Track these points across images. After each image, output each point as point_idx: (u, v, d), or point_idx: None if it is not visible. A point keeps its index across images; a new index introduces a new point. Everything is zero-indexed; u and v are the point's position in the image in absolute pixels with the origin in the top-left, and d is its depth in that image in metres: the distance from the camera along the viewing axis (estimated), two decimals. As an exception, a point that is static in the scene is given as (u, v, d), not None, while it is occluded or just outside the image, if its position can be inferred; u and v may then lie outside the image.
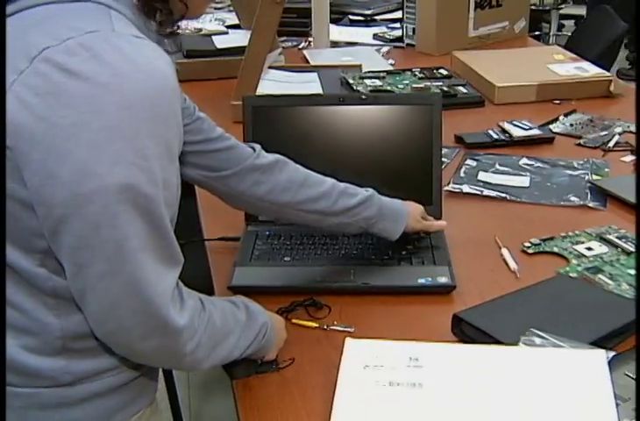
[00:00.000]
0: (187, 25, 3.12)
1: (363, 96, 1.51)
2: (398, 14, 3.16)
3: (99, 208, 0.87)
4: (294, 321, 1.25)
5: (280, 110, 1.50)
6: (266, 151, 1.42)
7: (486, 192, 1.68)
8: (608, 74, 2.29)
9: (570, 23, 6.37)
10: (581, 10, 6.36)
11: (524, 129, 1.97)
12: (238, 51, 2.56)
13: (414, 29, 2.83)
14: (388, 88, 2.26)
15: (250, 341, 1.08)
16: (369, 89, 2.24)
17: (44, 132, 0.86)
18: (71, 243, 0.90)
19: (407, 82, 2.33)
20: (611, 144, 1.93)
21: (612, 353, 1.06)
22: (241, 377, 1.12)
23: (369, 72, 2.40)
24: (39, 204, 0.90)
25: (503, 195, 1.67)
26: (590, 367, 1.03)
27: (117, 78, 0.86)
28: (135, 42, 0.90)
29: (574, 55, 2.47)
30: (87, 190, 0.87)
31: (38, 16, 0.91)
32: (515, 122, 2.00)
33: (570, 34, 5.80)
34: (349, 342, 1.11)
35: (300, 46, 2.89)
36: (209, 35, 2.86)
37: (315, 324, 1.25)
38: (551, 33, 5.02)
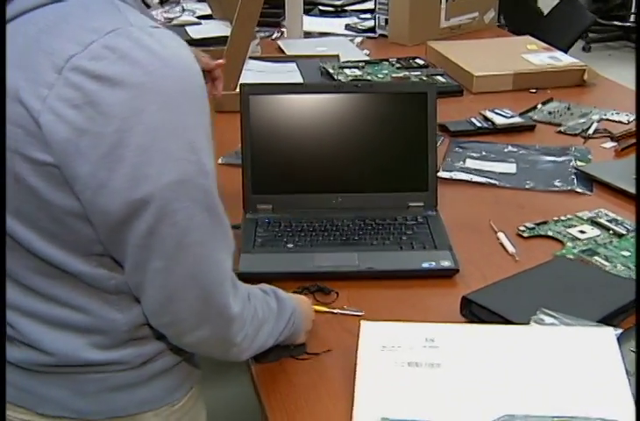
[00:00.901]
0: (156, 16, 3.12)
1: (359, 85, 1.53)
2: (368, 5, 3.18)
3: (156, 209, 0.87)
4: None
5: (277, 98, 1.51)
6: (263, 138, 1.43)
7: (475, 178, 1.71)
8: (581, 63, 2.34)
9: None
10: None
11: (506, 117, 2.01)
12: (215, 41, 2.58)
13: (386, 20, 2.85)
14: (368, 77, 2.29)
15: (282, 328, 1.09)
16: (350, 78, 2.26)
17: (89, 144, 0.85)
18: (130, 243, 0.90)
19: (386, 71, 2.36)
20: (590, 131, 1.97)
21: (619, 331, 1.10)
22: (273, 361, 1.14)
23: (347, 62, 2.42)
24: (94, 214, 0.89)
25: (493, 181, 1.70)
26: (600, 344, 1.07)
27: (149, 76, 0.85)
28: (155, 33, 0.89)
29: (546, 45, 2.52)
30: (142, 194, 0.86)
31: (49, 18, 0.88)
32: (496, 110, 2.04)
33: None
34: (364, 324, 1.14)
35: (273, 37, 2.90)
36: (182, 25, 2.85)
37: (324, 309, 1.27)
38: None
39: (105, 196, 0.87)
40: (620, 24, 5.75)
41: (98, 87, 0.84)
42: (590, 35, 5.35)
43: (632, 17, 5.86)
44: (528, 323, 1.13)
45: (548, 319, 1.12)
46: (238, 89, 2.04)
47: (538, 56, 2.40)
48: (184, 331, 0.97)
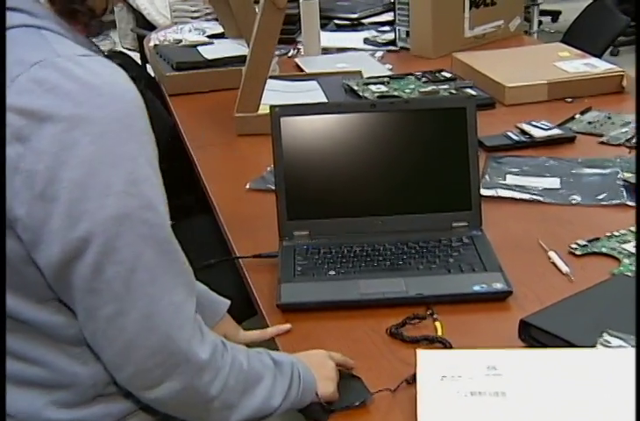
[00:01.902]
0: (165, 37, 3.15)
1: (393, 102, 1.55)
2: (386, 16, 3.21)
3: (98, 247, 0.86)
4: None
5: (309, 119, 1.53)
6: (296, 161, 1.45)
7: (518, 195, 1.72)
8: (619, 69, 2.35)
9: (547, 19, 6.50)
10: (557, 6, 6.51)
11: (544, 129, 2.02)
12: (230, 61, 2.62)
13: (407, 32, 2.88)
14: (395, 93, 2.30)
15: (286, 387, 1.05)
16: (376, 95, 2.28)
17: (22, 184, 0.84)
18: (77, 287, 0.89)
19: (412, 86, 2.37)
20: (634, 140, 1.98)
21: (693, 351, 1.10)
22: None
23: (371, 78, 2.44)
24: (37, 257, 0.88)
25: (537, 197, 1.71)
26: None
27: (80, 107, 0.85)
28: (84, 62, 0.89)
29: (579, 52, 2.53)
30: (81, 232, 0.85)
31: None
32: (533, 122, 2.04)
33: (551, 31, 5.97)
34: (422, 353, 1.14)
35: (289, 54, 2.93)
36: (194, 46, 2.88)
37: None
38: (533, 31, 5.12)
39: (45, 237, 0.86)
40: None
41: (26, 122, 0.84)
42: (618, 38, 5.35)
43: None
44: (593, 346, 1.13)
45: (615, 341, 1.12)
46: (260, 111, 2.09)
47: (572, 63, 2.42)
48: (150, 385, 0.93)
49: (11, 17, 0.92)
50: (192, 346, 0.93)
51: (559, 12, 6.53)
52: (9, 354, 0.96)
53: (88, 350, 0.97)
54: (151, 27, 3.73)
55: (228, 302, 1.36)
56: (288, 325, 1.28)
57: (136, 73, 3.01)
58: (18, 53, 0.88)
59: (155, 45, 3.00)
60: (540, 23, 6.10)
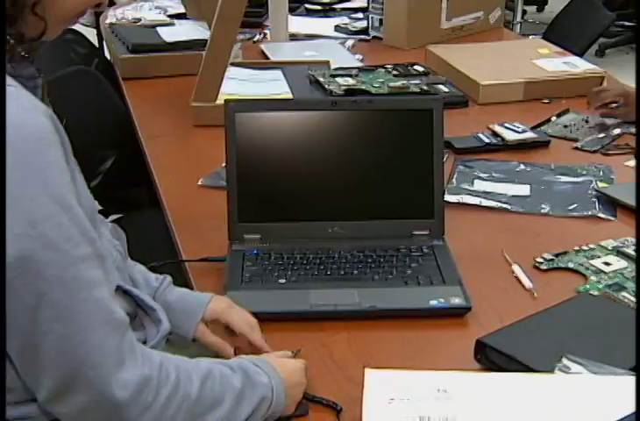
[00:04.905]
0: (123, 14, 3.11)
1: (356, 100, 1.54)
2: (360, 3, 3.21)
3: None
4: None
5: (266, 115, 1.51)
6: (250, 160, 1.44)
7: (485, 202, 1.72)
8: (600, 70, 2.36)
9: (532, 9, 6.51)
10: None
11: (517, 132, 2.02)
12: (190, 45, 2.60)
13: (381, 20, 2.87)
14: (363, 87, 2.29)
15: (247, 414, 1.06)
16: (342, 88, 2.27)
17: None
18: None
19: (382, 80, 2.37)
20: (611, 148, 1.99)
21: (655, 379, 1.10)
22: None
23: (339, 69, 2.43)
24: None
25: (504, 205, 1.71)
26: (633, 395, 1.07)
27: None
28: None
29: (560, 49, 2.54)
30: None
31: None
32: (506, 124, 2.05)
33: (536, 22, 5.98)
34: (369, 373, 1.13)
35: (255, 39, 2.91)
36: (153, 26, 2.85)
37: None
38: (516, 21, 5.11)
39: None
40: (631, 24, 5.75)
41: None
42: (602, 39, 5.36)
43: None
44: (551, 370, 1.13)
45: (574, 367, 1.12)
46: (218, 101, 2.07)
47: (551, 61, 2.42)
48: (66, 412, 0.98)
49: None
50: (108, 386, 0.95)
51: (545, 2, 6.53)
52: None
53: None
54: (110, 2, 3.68)
55: (207, 296, 1.33)
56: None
57: (87, 51, 2.98)
58: None
59: (112, 23, 2.96)
60: (525, 12, 6.11)
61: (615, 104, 2.10)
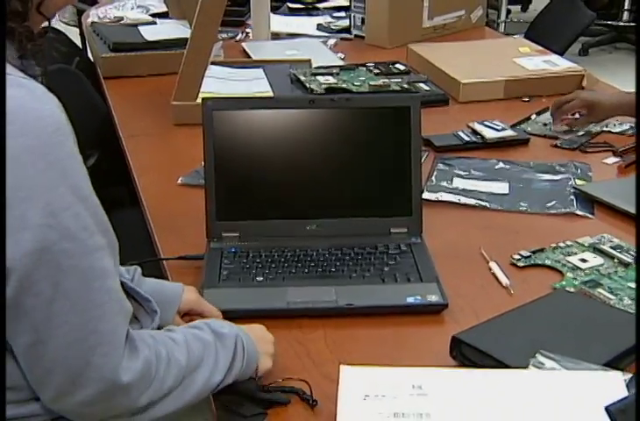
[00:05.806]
0: (105, 13, 3.11)
1: (334, 98, 1.54)
2: (342, 1, 3.22)
3: (15, 282, 0.90)
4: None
5: (244, 113, 1.51)
6: (229, 159, 1.44)
7: (463, 200, 1.72)
8: (579, 68, 2.37)
9: (516, 8, 6.53)
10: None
11: (496, 130, 2.03)
12: (171, 44, 2.60)
13: (363, 19, 2.88)
14: (344, 85, 2.30)
15: (229, 359, 1.10)
16: (323, 87, 2.27)
17: None
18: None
19: (363, 78, 2.38)
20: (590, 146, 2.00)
21: (628, 375, 1.11)
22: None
23: (320, 67, 2.44)
24: None
25: (483, 203, 1.71)
26: (607, 390, 1.08)
27: None
28: None
29: (541, 48, 2.55)
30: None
31: None
32: (486, 122, 2.05)
33: (520, 21, 5.99)
34: (344, 369, 1.14)
35: (237, 38, 2.91)
36: (135, 25, 2.85)
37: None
38: (500, 20, 5.13)
39: None
40: (614, 23, 5.78)
41: None
42: (585, 38, 5.38)
43: (625, 16, 5.89)
44: (526, 367, 1.13)
45: (548, 363, 1.13)
46: (198, 100, 2.07)
47: (532, 60, 2.43)
48: (70, 409, 1.00)
49: None
50: (116, 374, 0.97)
51: (530, 1, 6.56)
52: None
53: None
54: (92, 1, 3.68)
55: (179, 287, 1.34)
56: None
57: (68, 50, 2.97)
58: None
59: (94, 22, 2.95)
60: (509, 12, 6.14)
61: (578, 115, 2.08)
